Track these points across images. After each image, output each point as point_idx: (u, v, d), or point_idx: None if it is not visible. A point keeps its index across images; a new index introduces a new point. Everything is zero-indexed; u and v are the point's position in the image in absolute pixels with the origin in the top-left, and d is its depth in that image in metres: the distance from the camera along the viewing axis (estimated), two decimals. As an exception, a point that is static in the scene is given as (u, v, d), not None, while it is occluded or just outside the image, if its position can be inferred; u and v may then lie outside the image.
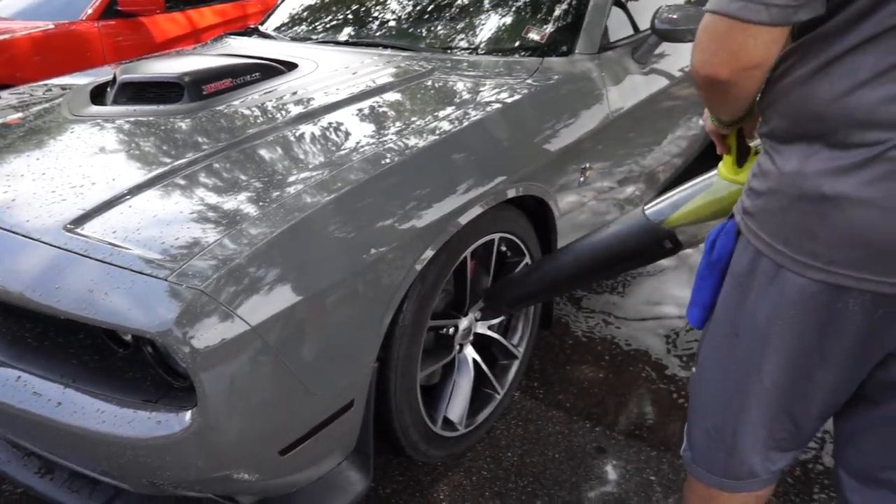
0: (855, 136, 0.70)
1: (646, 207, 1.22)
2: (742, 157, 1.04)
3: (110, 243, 1.07)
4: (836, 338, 0.78)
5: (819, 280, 0.75)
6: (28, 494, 1.61)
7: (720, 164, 1.09)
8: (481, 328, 1.69)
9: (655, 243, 1.21)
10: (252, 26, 2.58)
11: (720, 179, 1.10)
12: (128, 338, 1.14)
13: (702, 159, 2.74)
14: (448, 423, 1.59)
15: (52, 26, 3.22)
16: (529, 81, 1.74)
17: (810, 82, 0.73)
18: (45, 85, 2.01)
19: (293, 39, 2.28)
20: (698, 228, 1.16)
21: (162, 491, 1.24)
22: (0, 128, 1.62)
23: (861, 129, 0.69)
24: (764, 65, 0.73)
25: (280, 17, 2.53)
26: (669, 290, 2.42)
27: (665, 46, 2.20)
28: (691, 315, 0.99)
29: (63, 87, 1.94)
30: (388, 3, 2.31)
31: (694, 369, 1.02)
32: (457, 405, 1.61)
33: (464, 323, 1.60)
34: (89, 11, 3.38)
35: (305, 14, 2.46)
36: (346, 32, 2.26)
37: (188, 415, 1.00)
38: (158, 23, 3.62)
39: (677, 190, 1.19)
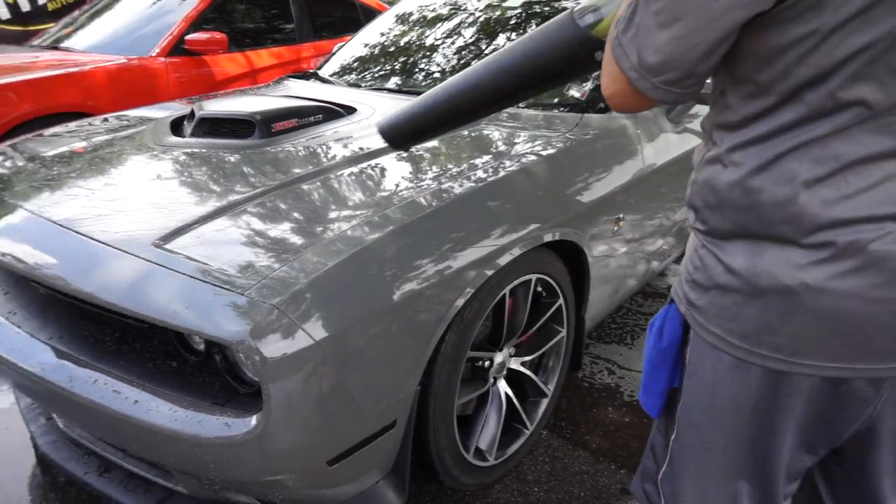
0: (808, 237, 0.71)
1: (575, 11, 1.01)
2: None
3: (194, 259, 1.20)
4: (803, 416, 0.80)
5: (782, 371, 0.76)
6: (85, 491, 1.71)
7: None
8: (515, 364, 1.78)
9: (586, 55, 1.01)
10: (310, 70, 2.78)
11: None
12: (199, 346, 1.25)
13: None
14: (479, 453, 1.66)
15: (124, 60, 3.48)
16: (569, 135, 1.86)
17: (750, 185, 0.74)
18: (125, 115, 2.20)
19: (349, 85, 2.45)
20: None
21: (214, 494, 1.34)
22: (70, 154, 1.79)
23: (814, 231, 0.71)
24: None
25: (336, 63, 2.72)
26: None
27: (698, 108, 2.32)
28: (648, 404, 0.96)
29: (143, 119, 2.13)
30: (438, 54, 2.48)
31: (665, 466, 0.97)
32: (488, 436, 1.69)
33: (499, 357, 1.69)
34: (158, 49, 3.64)
35: (361, 62, 2.64)
36: (398, 81, 2.43)
37: (254, 419, 1.10)
38: (220, 62, 3.87)
39: None
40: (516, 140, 1.82)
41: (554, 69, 1.04)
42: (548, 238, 1.63)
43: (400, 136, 1.20)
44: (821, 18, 0.65)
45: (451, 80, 1.15)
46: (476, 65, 1.12)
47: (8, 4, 6.35)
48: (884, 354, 0.74)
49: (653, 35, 0.71)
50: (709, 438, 0.88)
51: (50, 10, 6.57)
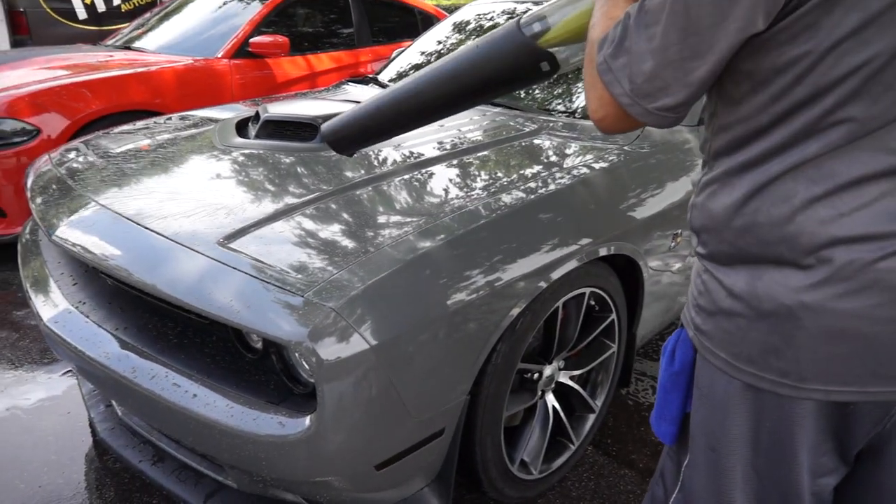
0: (806, 257, 0.70)
1: (522, 20, 0.99)
2: None
3: (256, 259, 1.23)
4: (812, 440, 0.78)
5: (791, 396, 0.75)
6: (138, 478, 1.76)
7: None
8: (564, 378, 1.75)
9: (531, 65, 0.99)
10: (370, 75, 2.82)
11: None
12: (257, 344, 1.28)
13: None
14: (524, 466, 1.65)
15: (190, 61, 3.59)
16: (626, 147, 1.83)
17: (747, 207, 0.74)
18: (190, 115, 2.27)
19: (408, 91, 2.47)
20: (580, 49, 0.96)
21: (264, 490, 1.36)
22: (138, 151, 1.85)
23: (812, 250, 0.69)
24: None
25: (396, 68, 2.75)
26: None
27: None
28: (661, 431, 0.93)
29: (207, 119, 2.19)
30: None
31: (676, 493, 0.95)
32: (533, 449, 1.67)
33: (548, 370, 1.67)
34: (223, 51, 3.75)
35: (419, 69, 2.66)
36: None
37: (308, 419, 1.12)
38: (281, 65, 3.96)
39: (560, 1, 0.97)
40: (573, 152, 1.80)
41: (498, 78, 1.02)
42: (603, 252, 1.61)
43: (343, 141, 1.18)
44: (815, 39, 0.65)
45: (394, 86, 1.10)
46: (420, 71, 1.07)
47: (85, 5, 6.66)
48: (893, 377, 0.71)
49: (647, 61, 0.70)
50: (723, 464, 0.85)
51: (124, 10, 6.87)
